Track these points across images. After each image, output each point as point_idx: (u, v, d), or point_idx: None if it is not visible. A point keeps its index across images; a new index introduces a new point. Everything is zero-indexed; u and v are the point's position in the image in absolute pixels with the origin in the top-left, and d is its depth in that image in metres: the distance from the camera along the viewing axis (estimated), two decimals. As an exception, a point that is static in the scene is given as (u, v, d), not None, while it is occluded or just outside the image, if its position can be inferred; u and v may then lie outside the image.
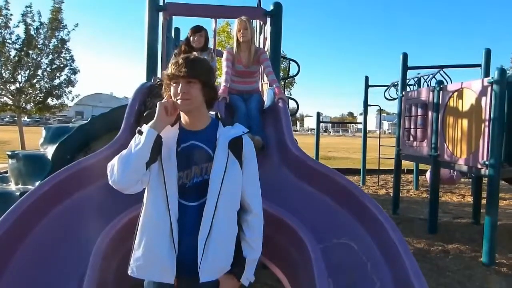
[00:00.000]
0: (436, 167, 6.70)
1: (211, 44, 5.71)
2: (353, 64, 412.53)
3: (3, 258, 2.37)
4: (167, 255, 1.79)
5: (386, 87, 11.69)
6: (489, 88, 5.27)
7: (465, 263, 5.19)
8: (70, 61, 16.51)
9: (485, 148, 5.31)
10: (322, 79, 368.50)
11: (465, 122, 5.87)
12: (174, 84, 1.84)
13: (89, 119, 5.13)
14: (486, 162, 5.24)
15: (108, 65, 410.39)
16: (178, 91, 1.81)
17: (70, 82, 16.66)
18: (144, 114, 3.58)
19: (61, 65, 16.31)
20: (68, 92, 16.81)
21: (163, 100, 1.88)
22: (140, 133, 1.78)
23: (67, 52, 16.38)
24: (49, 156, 4.56)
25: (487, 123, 5.31)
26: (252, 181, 1.98)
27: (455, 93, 6.13)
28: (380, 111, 14.19)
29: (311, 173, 3.25)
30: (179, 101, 1.83)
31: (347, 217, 2.90)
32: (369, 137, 13.13)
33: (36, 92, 16.00)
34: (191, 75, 1.81)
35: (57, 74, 16.34)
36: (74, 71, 16.70)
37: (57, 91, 16.45)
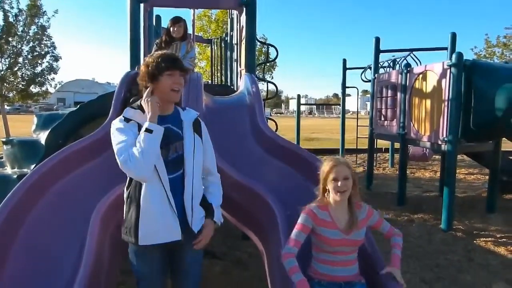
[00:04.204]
0: (404, 145, 7.22)
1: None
2: (338, 45, 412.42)
3: (15, 226, 2.78)
4: (172, 219, 2.22)
5: (363, 69, 12.17)
6: (448, 71, 5.74)
7: (427, 230, 5.73)
8: (51, 48, 16.49)
9: (445, 125, 5.81)
10: (308, 61, 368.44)
11: (428, 102, 6.34)
12: (169, 76, 2.19)
13: (78, 106, 5.46)
14: (445, 139, 5.75)
15: (89, 51, 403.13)
16: (176, 82, 2.20)
17: (52, 69, 16.65)
18: (130, 101, 3.93)
19: (42, 52, 16.27)
20: (51, 79, 16.82)
21: (146, 96, 2.21)
22: (150, 131, 2.10)
23: (48, 39, 16.34)
24: (43, 141, 4.91)
25: (446, 102, 5.79)
26: (210, 151, 2.49)
27: (420, 75, 6.60)
28: (361, 92, 14.59)
29: (281, 150, 3.69)
30: (174, 91, 2.21)
31: (311, 186, 3.34)
32: (352, 118, 13.55)
33: (18, 80, 16.01)
34: (184, 69, 2.27)
35: (39, 62, 16.30)
36: (56, 58, 16.69)
37: (39, 78, 16.45)
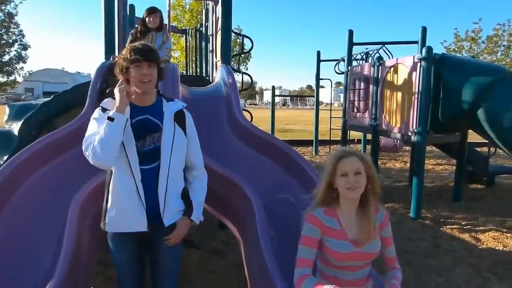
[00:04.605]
0: (376, 136, 7.43)
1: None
2: (313, 37, 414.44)
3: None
4: (138, 209, 2.24)
5: (336, 61, 12.36)
6: (419, 64, 5.93)
7: (397, 218, 5.95)
8: (19, 36, 16.07)
9: (415, 117, 6.02)
10: (282, 53, 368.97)
11: (399, 94, 6.54)
12: (136, 68, 2.18)
13: (52, 96, 5.37)
14: (415, 130, 5.96)
15: (58, 39, 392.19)
16: (143, 73, 2.18)
17: (20, 58, 16.25)
18: (107, 91, 3.92)
19: (10, 41, 15.84)
20: (20, 68, 16.40)
21: (118, 85, 2.22)
22: (111, 119, 2.11)
23: (15, 27, 15.90)
24: (16, 132, 4.83)
25: (416, 95, 5.99)
26: (195, 145, 2.45)
27: (392, 68, 6.78)
28: (335, 84, 14.82)
29: (257, 141, 3.77)
30: (143, 82, 2.19)
31: (286, 175, 3.46)
32: (326, 110, 13.72)
33: (-16, 69, 15.57)
34: (152, 59, 2.23)
35: (6, 50, 15.87)
36: (25, 47, 16.26)
37: (7, 67, 16.01)
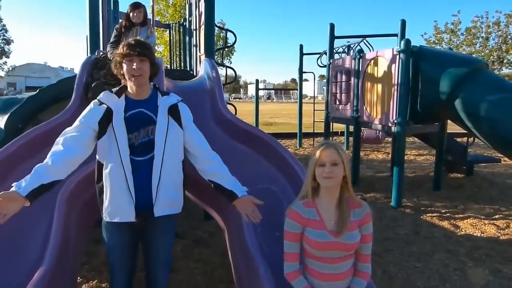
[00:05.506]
0: (358, 127, 7.58)
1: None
2: (296, 30, 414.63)
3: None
4: (127, 200, 2.32)
5: (319, 55, 12.48)
6: (398, 57, 6.08)
7: (378, 208, 6.10)
8: (2, 31, 15.86)
9: (394, 108, 6.17)
10: (266, 47, 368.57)
11: (379, 86, 6.69)
12: (128, 62, 2.28)
13: (38, 90, 5.37)
14: (395, 121, 6.12)
15: (41, 34, 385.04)
16: (133, 67, 2.27)
17: (3, 53, 16.05)
18: (92, 85, 3.97)
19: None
20: (3, 63, 16.19)
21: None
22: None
23: (-3, 21, 15.67)
24: (2, 125, 4.83)
25: (396, 87, 6.14)
26: (194, 133, 2.52)
27: (372, 61, 6.92)
28: (318, 77, 14.95)
29: (240, 132, 3.86)
30: (134, 76, 2.28)
31: (267, 165, 3.56)
32: (310, 103, 13.78)
33: (-35, 64, 15.32)
34: (143, 54, 2.30)
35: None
36: (8, 41, 16.07)
37: (-11, 62, 15.78)
